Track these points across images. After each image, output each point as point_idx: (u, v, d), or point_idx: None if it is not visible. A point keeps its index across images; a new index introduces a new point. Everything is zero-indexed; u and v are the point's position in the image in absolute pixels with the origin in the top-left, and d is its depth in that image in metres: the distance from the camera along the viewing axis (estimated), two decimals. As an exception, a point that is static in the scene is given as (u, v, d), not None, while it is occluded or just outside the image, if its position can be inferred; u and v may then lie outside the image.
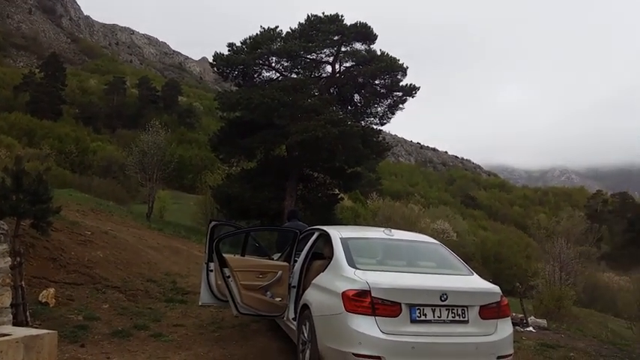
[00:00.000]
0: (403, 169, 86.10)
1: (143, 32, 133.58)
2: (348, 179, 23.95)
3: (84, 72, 78.39)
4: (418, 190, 69.31)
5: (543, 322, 8.53)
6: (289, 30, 24.00)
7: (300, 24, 24.03)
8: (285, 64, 23.69)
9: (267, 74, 24.36)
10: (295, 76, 23.72)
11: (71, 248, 9.02)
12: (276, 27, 23.86)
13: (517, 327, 7.84)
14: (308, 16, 24.10)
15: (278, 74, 24.17)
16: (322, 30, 22.83)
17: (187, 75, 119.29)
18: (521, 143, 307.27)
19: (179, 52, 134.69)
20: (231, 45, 23.70)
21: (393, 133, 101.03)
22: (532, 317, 8.73)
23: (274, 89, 21.75)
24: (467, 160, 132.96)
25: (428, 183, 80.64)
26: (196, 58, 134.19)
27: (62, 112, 54.50)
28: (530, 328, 7.98)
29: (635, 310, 21.99)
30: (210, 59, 24.94)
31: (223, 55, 23.46)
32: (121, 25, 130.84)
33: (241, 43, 23.69)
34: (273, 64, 23.83)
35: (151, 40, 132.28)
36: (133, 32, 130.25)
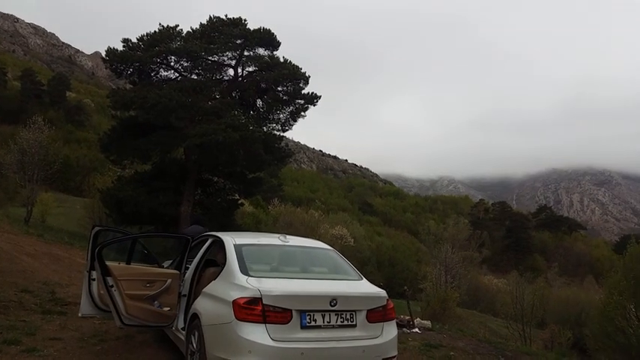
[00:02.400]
0: (305, 176, 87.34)
1: (29, 21, 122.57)
2: (249, 184, 23.72)
3: (-45, 59, 70.17)
4: (319, 196, 70.71)
5: (428, 323, 9.04)
6: (190, 30, 23.35)
7: (201, 24, 23.45)
8: (185, 64, 22.95)
9: (165, 74, 23.45)
10: (195, 77, 23.08)
11: None
12: (176, 25, 23.08)
13: (404, 329, 8.24)
14: (210, 17, 23.62)
15: (177, 74, 23.35)
16: (225, 32, 22.47)
17: (78, 69, 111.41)
18: (413, 154, 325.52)
19: (69, 45, 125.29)
20: (126, 41, 22.49)
21: (296, 140, 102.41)
22: (418, 319, 9.20)
23: (172, 89, 20.96)
24: (365, 168, 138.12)
25: (328, 190, 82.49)
26: (89, 52, 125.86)
27: None
28: (416, 330, 8.41)
29: (511, 310, 24.14)
30: (104, 54, 23.49)
31: (117, 50, 22.20)
32: (3, 11, 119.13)
33: (138, 39, 22.59)
34: (172, 64, 22.98)
35: (38, 30, 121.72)
36: (17, 20, 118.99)
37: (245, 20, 23.05)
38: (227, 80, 23.66)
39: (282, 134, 24.00)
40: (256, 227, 31.38)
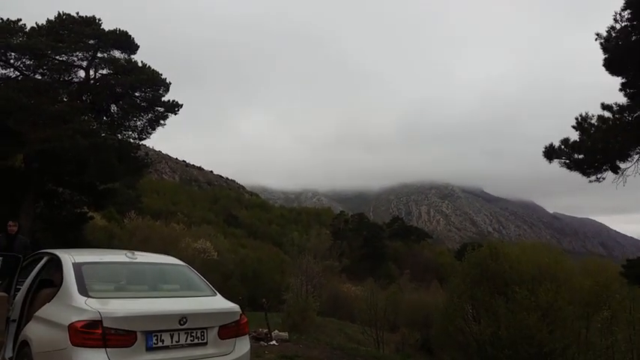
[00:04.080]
0: (166, 187, 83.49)
1: None
2: (100, 196, 21.99)
3: None
4: (181, 208, 68.00)
5: (285, 334, 9.13)
6: (35, 25, 21.10)
7: (48, 21, 21.33)
8: (28, 62, 20.60)
9: (4, 72, 20.76)
10: (40, 78, 20.89)
11: None
12: (19, 20, 20.71)
13: (262, 342, 8.23)
14: (59, 13, 21.60)
15: (18, 73, 20.90)
16: (75, 31, 20.68)
17: None
18: (278, 167, 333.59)
19: None
20: (-44, 33, 19.62)
21: (158, 149, 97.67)
22: (276, 331, 9.27)
23: (11, 89, 18.73)
24: (231, 180, 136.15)
25: (192, 202, 79.83)
26: None
27: None
28: (274, 342, 8.45)
29: (366, 316, 25.45)
30: None
31: (-55, 43, 19.25)
32: None
33: (-29, 31, 19.83)
34: (12, 61, 20.50)
35: None
36: None
37: (99, 20, 21.48)
38: (77, 82, 21.73)
39: (139, 143, 22.70)
40: (109, 243, 29.14)
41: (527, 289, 15.71)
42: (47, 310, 4.64)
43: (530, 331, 14.90)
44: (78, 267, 4.84)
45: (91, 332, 4.07)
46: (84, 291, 4.52)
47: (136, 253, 5.67)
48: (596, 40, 11.67)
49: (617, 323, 17.60)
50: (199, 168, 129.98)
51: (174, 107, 21.90)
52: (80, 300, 4.39)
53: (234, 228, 68.78)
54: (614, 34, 11.50)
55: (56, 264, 5.18)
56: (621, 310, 17.72)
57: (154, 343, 4.27)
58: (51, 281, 5.33)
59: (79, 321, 4.12)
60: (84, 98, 21.52)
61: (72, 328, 4.09)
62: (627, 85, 12.21)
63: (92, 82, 21.58)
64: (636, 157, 12.11)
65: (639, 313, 17.35)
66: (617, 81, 12.20)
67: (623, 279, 15.21)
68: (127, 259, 5.42)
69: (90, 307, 4.25)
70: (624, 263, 14.74)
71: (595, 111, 12.15)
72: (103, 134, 19.62)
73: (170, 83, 21.69)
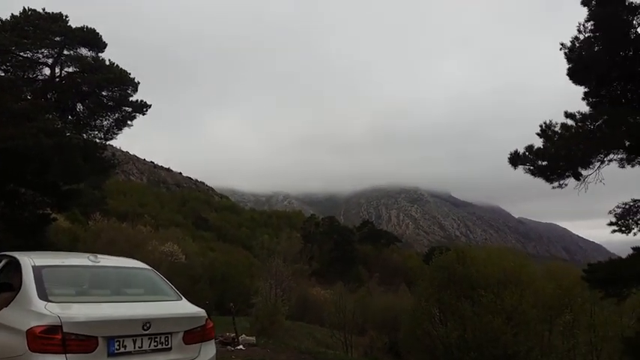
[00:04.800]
0: (133, 189, 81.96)
1: None
2: (64, 197, 21.33)
3: None
4: (148, 210, 66.82)
5: (252, 339, 9.06)
6: (-2, 20, 20.43)
7: (13, 16, 20.64)
8: (-10, 58, 19.99)
9: (-35, 68, 20.12)
10: (3, 74, 20.22)
11: None
12: (-19, 14, 20.06)
13: (229, 346, 8.14)
14: (24, 9, 20.93)
15: (-21, 69, 20.21)
16: (41, 27, 20.08)
17: None
18: (248, 169, 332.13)
19: None
20: None
21: (125, 150, 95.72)
22: (243, 335, 9.19)
23: (-29, 86, 18.08)
24: (201, 182, 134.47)
25: (160, 203, 78.57)
26: None
27: None
28: (241, 346, 8.37)
29: (335, 319, 25.51)
30: None
31: None
32: None
33: None
34: (-26, 57, 19.84)
35: None
36: None
37: (66, 17, 20.91)
38: (42, 80, 21.10)
39: (105, 143, 22.15)
40: (73, 245, 28.40)
41: (493, 293, 16.04)
42: (4, 315, 4.50)
43: (496, 334, 15.21)
44: (38, 270, 4.71)
45: (50, 338, 3.97)
46: (44, 295, 4.39)
47: (99, 256, 5.56)
48: (560, 49, 12.04)
49: (579, 326, 18.17)
50: (168, 169, 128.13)
51: (142, 107, 21.46)
52: (39, 304, 4.27)
53: (203, 231, 68.03)
54: (577, 45, 11.88)
55: (15, 267, 5.04)
56: (582, 313, 18.30)
57: (116, 349, 4.19)
58: (9, 285, 5.16)
59: (37, 326, 4.02)
60: (49, 96, 20.91)
61: (30, 334, 3.98)
62: (590, 95, 12.63)
63: (57, 80, 21.00)
64: (597, 164, 12.52)
65: (600, 317, 17.91)
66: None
67: (584, 283, 15.65)
68: (90, 263, 5.30)
69: (49, 311, 4.14)
70: (586, 267, 15.13)
71: (560, 118, 12.50)
72: (68, 133, 19.12)
73: (139, 83, 21.24)
